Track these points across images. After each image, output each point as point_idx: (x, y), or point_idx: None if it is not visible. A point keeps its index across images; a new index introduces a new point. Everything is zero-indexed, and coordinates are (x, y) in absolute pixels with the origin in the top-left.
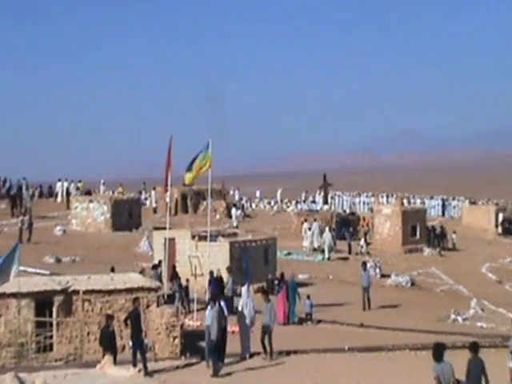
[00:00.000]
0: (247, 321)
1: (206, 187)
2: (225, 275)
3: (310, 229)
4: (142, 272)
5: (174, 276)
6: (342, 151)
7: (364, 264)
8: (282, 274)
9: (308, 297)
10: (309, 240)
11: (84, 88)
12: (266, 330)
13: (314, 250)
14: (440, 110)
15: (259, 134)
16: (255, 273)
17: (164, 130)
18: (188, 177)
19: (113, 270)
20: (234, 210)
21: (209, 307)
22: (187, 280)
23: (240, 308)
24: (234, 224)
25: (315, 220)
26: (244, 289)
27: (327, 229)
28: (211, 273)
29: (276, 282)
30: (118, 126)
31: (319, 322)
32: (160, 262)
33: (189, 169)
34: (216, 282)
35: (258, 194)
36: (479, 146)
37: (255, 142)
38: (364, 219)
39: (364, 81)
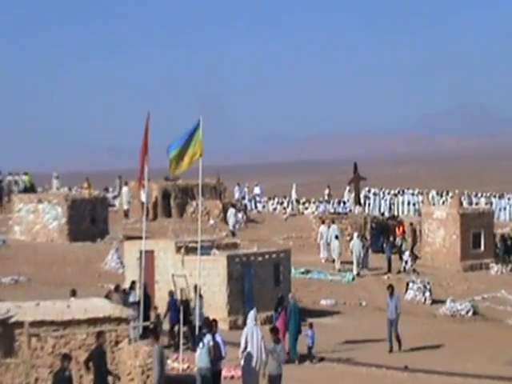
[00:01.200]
0: (253, 362)
1: (196, 182)
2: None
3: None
4: (108, 296)
5: (146, 300)
6: (379, 132)
7: (391, 288)
8: (282, 297)
9: (310, 325)
10: (326, 249)
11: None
12: (275, 383)
13: (334, 262)
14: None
15: (265, 110)
16: (261, 297)
17: (141, 107)
18: (174, 166)
19: (74, 293)
20: (231, 211)
21: (200, 344)
22: (155, 308)
23: (243, 343)
24: (231, 227)
25: (333, 222)
26: (250, 316)
27: (355, 235)
28: (171, 294)
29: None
30: (78, 104)
31: (321, 359)
32: (134, 283)
33: (175, 155)
34: (175, 306)
35: (257, 190)
36: None
37: (260, 122)
38: (399, 226)
39: (406, 40)
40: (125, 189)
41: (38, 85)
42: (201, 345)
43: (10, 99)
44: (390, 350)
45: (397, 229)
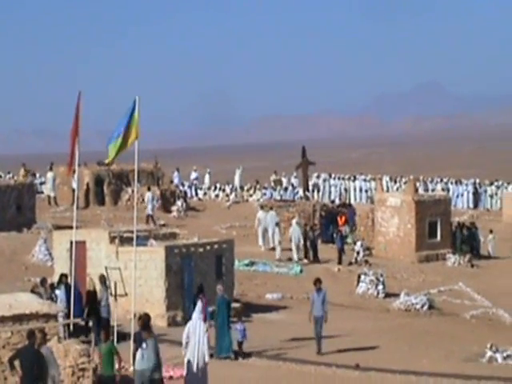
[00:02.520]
0: (195, 358)
1: (132, 167)
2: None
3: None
4: (33, 291)
5: (89, 297)
6: (331, 114)
7: (319, 282)
8: (201, 286)
9: (240, 320)
10: (263, 237)
11: None
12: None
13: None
14: (473, 57)
15: (208, 89)
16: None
17: (72, 83)
18: (114, 156)
19: None
20: (148, 196)
21: (143, 345)
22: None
23: (185, 338)
24: (149, 212)
25: (271, 209)
26: (197, 309)
27: (294, 221)
28: (64, 277)
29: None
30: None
31: (248, 355)
32: (63, 276)
33: (114, 140)
34: (79, 297)
35: (193, 175)
36: None
37: (199, 100)
38: (342, 216)
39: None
40: (49, 174)
41: None
42: (144, 345)
43: None
44: (319, 352)
45: (339, 218)
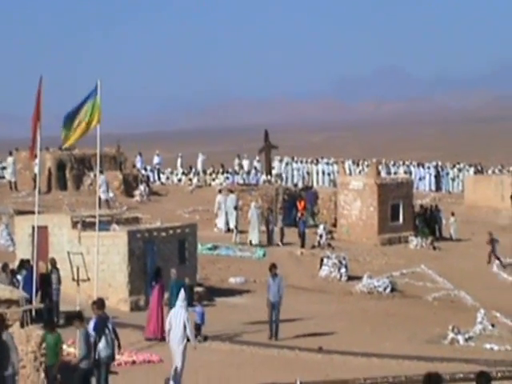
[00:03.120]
0: (175, 345)
1: (94, 152)
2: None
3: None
4: None
5: (42, 280)
6: (292, 97)
7: (274, 267)
8: (158, 269)
9: (199, 302)
10: (223, 220)
11: None
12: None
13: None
14: (434, 40)
15: (167, 72)
16: (165, 276)
17: (33, 67)
18: (67, 136)
19: None
20: (102, 179)
21: (106, 330)
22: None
23: (167, 324)
24: (103, 196)
25: (231, 191)
26: (180, 297)
27: (253, 204)
28: (26, 262)
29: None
30: None
31: (206, 338)
32: (25, 262)
33: (68, 124)
34: (31, 279)
35: (156, 160)
36: (491, 90)
37: (161, 85)
38: (301, 200)
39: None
40: (9, 159)
41: None
42: (106, 331)
43: None
44: (270, 337)
45: (298, 203)
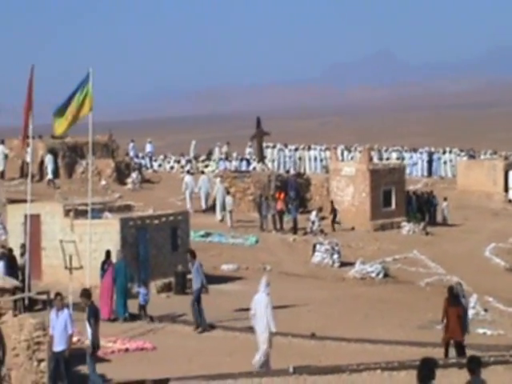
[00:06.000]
0: (259, 329)
1: (86, 139)
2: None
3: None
4: None
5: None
6: (284, 83)
7: (192, 253)
8: (108, 252)
9: (144, 283)
10: (191, 201)
11: None
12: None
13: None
14: (425, 25)
15: (158, 59)
16: (158, 263)
17: (25, 56)
18: (59, 125)
19: None
20: (48, 158)
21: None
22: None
23: (252, 312)
24: (50, 176)
25: (203, 172)
26: (262, 283)
27: (218, 180)
28: (8, 250)
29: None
30: None
31: (151, 319)
32: (7, 250)
33: (60, 112)
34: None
35: (148, 148)
36: (484, 75)
37: (153, 73)
38: (280, 192)
39: None
40: (0, 147)
41: None
42: (55, 309)
43: None
44: (197, 328)
45: (277, 194)
